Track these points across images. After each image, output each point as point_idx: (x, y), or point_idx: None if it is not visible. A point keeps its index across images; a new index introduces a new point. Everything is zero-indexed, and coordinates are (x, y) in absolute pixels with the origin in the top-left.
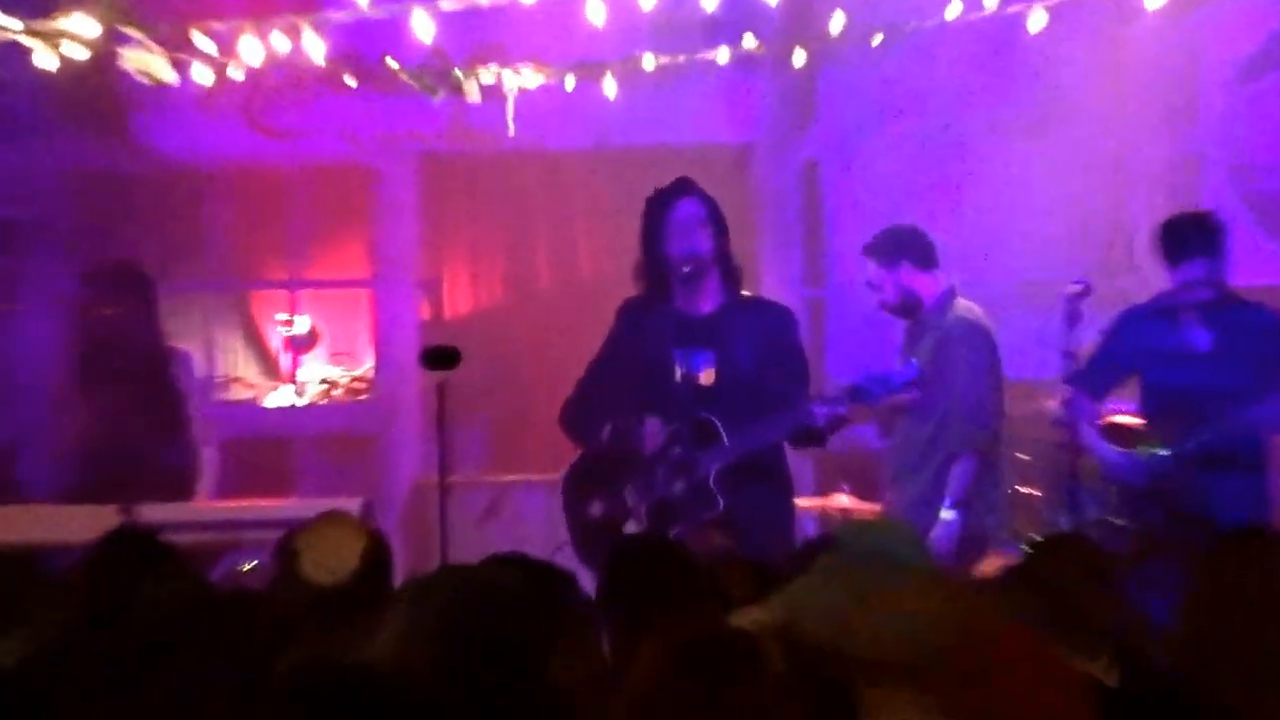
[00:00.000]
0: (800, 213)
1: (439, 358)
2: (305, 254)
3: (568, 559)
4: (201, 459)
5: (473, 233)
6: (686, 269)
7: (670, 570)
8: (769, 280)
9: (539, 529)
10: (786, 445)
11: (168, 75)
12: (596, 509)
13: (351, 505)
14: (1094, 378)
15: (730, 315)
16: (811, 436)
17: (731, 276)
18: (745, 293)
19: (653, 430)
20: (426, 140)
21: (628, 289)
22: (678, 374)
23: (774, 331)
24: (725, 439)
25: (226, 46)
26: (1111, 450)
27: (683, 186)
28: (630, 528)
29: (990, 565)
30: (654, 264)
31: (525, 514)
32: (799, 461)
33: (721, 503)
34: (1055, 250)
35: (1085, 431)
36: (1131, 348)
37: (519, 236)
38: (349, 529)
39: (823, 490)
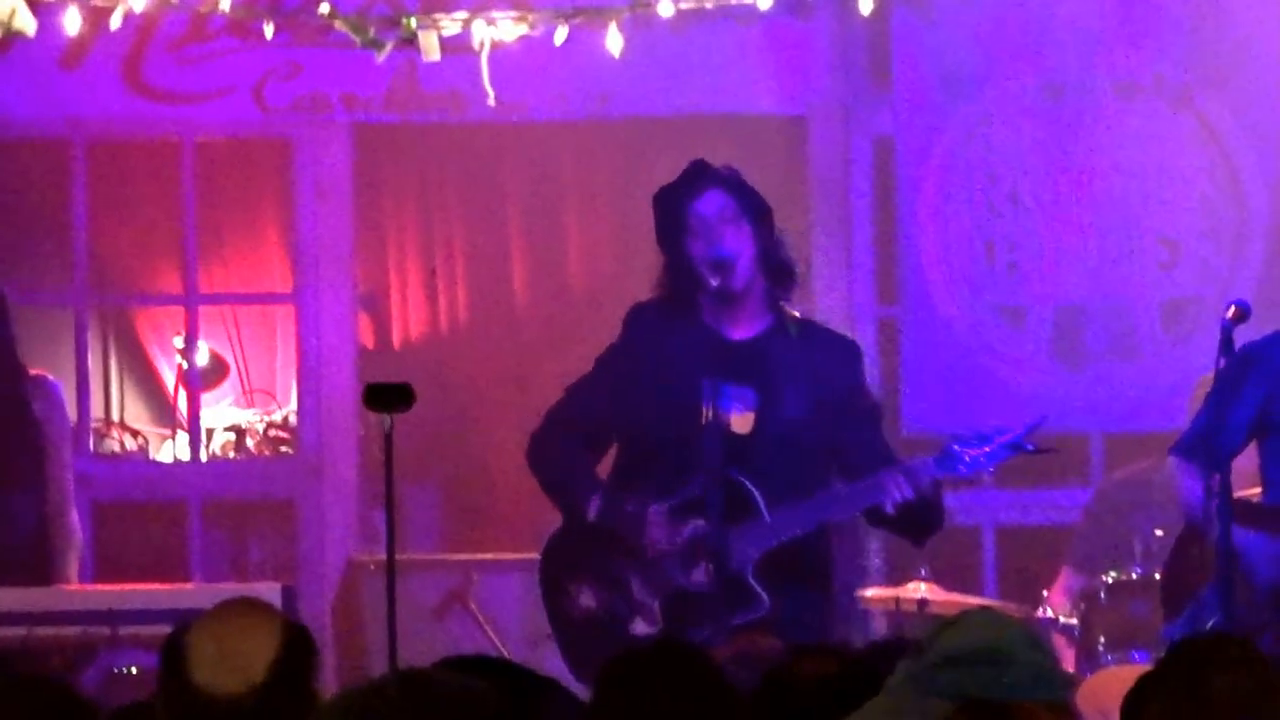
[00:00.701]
0: (869, 206)
1: (385, 396)
2: (206, 258)
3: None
4: (69, 528)
5: (428, 230)
6: (715, 283)
7: (696, 688)
8: (826, 295)
9: (513, 623)
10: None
11: (24, 23)
12: (589, 599)
13: (266, 591)
14: (1206, 438)
15: (777, 342)
16: (888, 518)
17: (779, 280)
18: (797, 314)
19: (662, 502)
20: (367, 108)
21: (629, 303)
22: (705, 415)
23: (835, 369)
24: (766, 514)
25: None
26: (1250, 535)
27: (701, 173)
28: (638, 628)
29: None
30: (678, 271)
31: (495, 604)
32: (863, 537)
33: (766, 600)
34: (1208, 258)
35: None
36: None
37: (490, 235)
38: (261, 622)
39: (894, 577)
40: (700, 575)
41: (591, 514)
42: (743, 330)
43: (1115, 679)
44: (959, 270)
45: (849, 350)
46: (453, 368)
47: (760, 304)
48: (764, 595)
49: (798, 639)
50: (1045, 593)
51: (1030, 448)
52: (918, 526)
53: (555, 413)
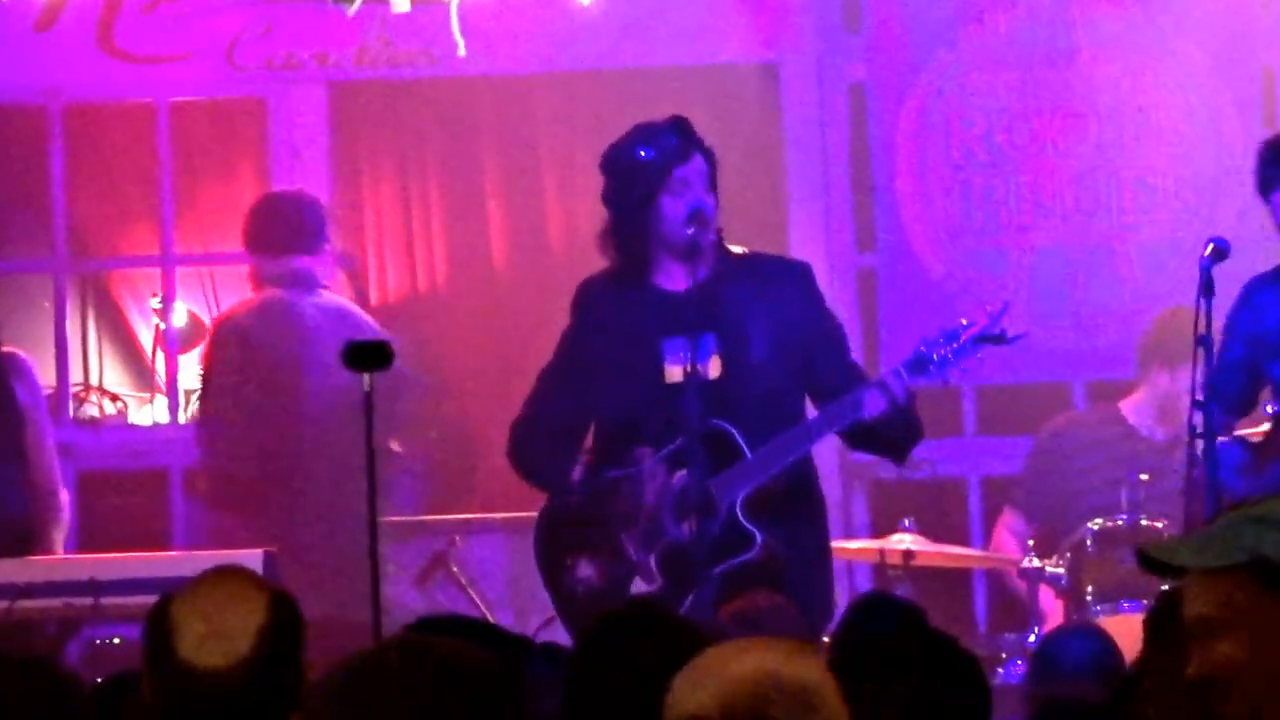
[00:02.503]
0: (844, 155)
1: (364, 355)
2: (182, 219)
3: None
4: (57, 506)
5: (404, 189)
6: (690, 231)
7: (673, 643)
8: (802, 246)
9: (501, 585)
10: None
11: None
12: (587, 570)
13: (250, 558)
14: (1218, 379)
15: (727, 281)
16: (873, 432)
17: (721, 236)
18: (739, 249)
19: (646, 460)
20: (340, 66)
21: (609, 262)
22: (669, 373)
23: (790, 294)
24: (747, 452)
25: None
26: (1242, 478)
27: (687, 134)
28: (638, 587)
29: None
30: (636, 230)
31: (483, 566)
32: (846, 489)
33: (759, 538)
34: (1187, 201)
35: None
36: (1253, 330)
37: (467, 192)
38: (246, 593)
39: (878, 528)
40: (692, 525)
41: (577, 475)
42: (690, 279)
43: None
44: (936, 218)
45: (799, 272)
46: (431, 328)
47: (708, 252)
48: (757, 534)
49: (796, 577)
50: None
51: (1000, 335)
52: (898, 442)
53: (528, 408)
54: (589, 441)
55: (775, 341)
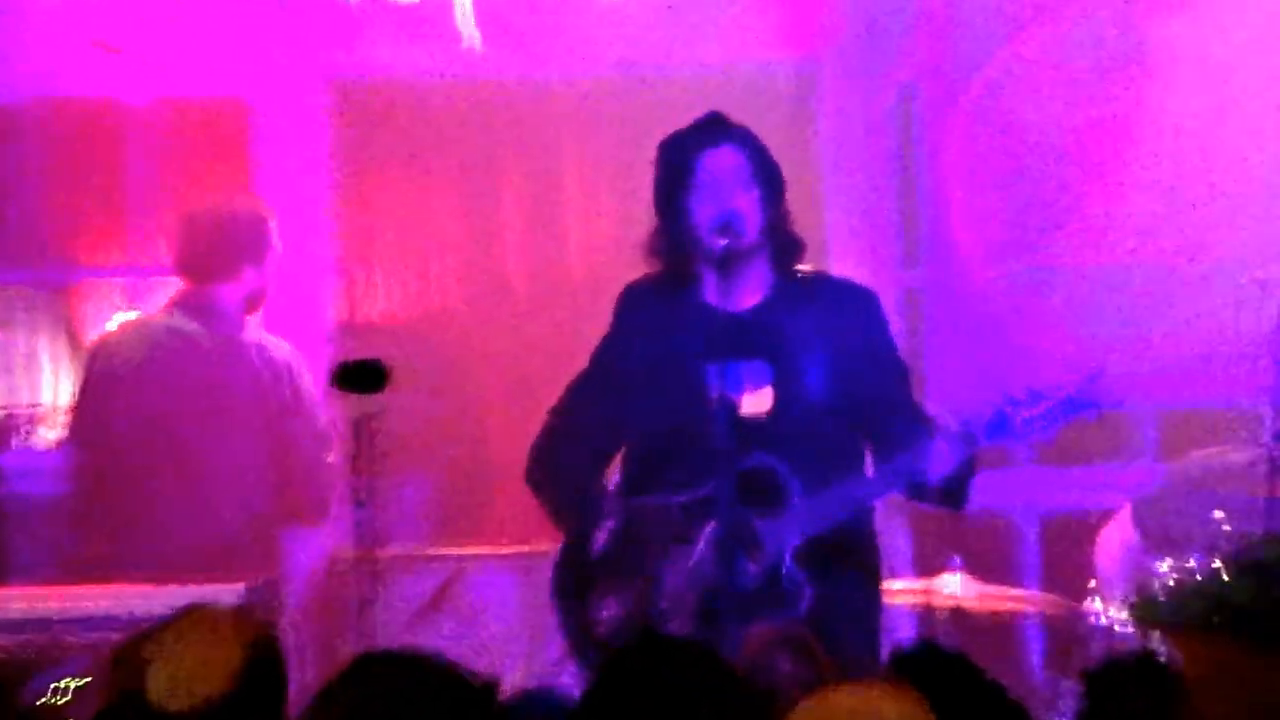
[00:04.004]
0: (888, 163)
1: (358, 377)
2: (156, 230)
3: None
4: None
5: (409, 198)
6: (723, 243)
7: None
8: (841, 261)
9: (508, 624)
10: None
11: None
12: (612, 609)
13: (229, 594)
14: None
15: (785, 305)
16: (927, 491)
17: (786, 253)
18: (804, 268)
19: (687, 492)
20: (338, 63)
21: (635, 277)
22: (714, 399)
23: (854, 324)
24: (797, 497)
25: None
26: None
27: (716, 126)
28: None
29: None
30: (674, 236)
31: (488, 603)
32: (885, 522)
33: (808, 593)
34: (1262, 214)
35: None
36: None
37: (482, 202)
38: (222, 631)
39: (922, 566)
40: (736, 570)
41: (603, 506)
42: (749, 296)
43: None
44: (989, 232)
45: (866, 300)
46: (442, 346)
47: (764, 270)
48: (806, 587)
49: (847, 634)
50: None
51: (1094, 405)
52: (956, 495)
53: (552, 423)
54: (617, 468)
55: (834, 375)
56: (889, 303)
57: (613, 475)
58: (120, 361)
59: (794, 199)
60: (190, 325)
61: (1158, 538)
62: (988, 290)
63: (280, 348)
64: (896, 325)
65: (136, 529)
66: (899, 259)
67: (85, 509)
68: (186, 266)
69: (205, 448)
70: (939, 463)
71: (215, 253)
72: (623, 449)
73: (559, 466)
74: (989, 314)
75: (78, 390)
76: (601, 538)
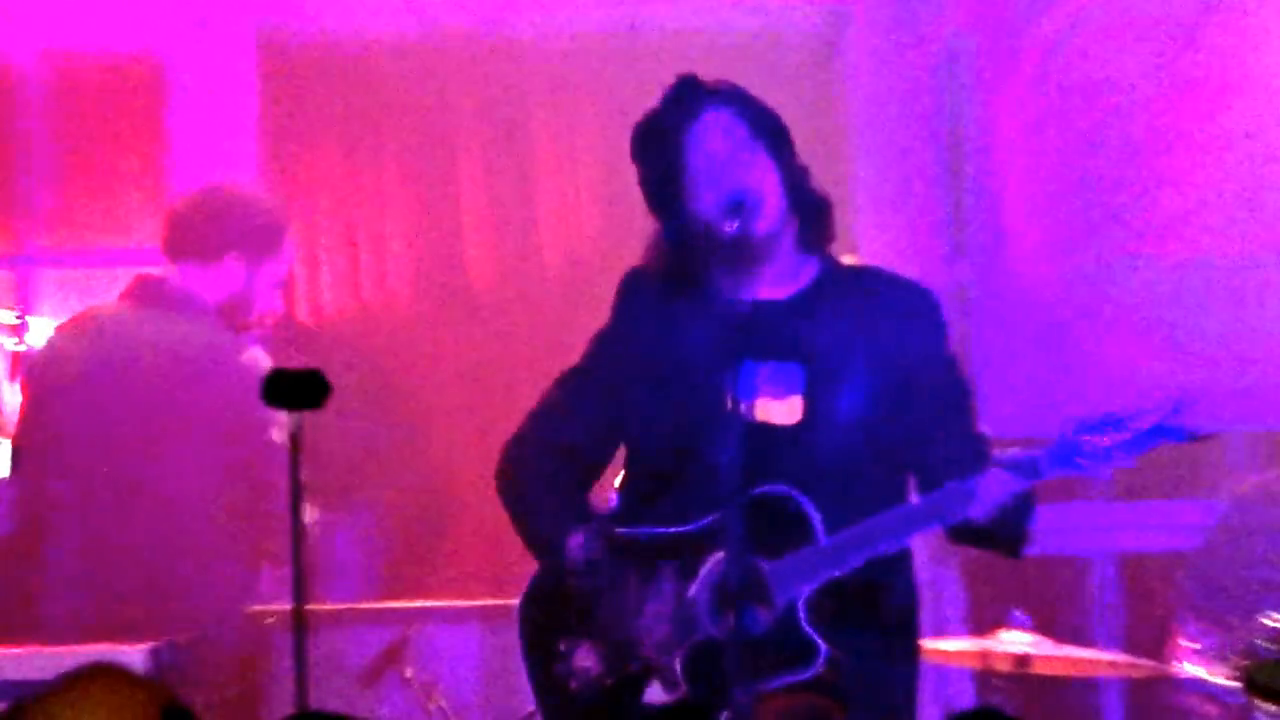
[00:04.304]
0: (929, 137)
1: (290, 390)
2: (50, 211)
3: None
4: None
5: (349, 174)
6: (736, 225)
7: None
8: (872, 252)
9: (470, 690)
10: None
11: None
12: (586, 659)
13: (131, 654)
14: None
15: (826, 298)
16: (979, 531)
17: (817, 230)
18: (850, 259)
19: (685, 522)
20: (266, 13)
21: (621, 272)
22: (730, 408)
23: (908, 329)
24: (820, 534)
25: None
26: None
27: (691, 92)
28: (654, 695)
29: None
30: (680, 232)
31: (443, 670)
32: (933, 566)
33: (822, 651)
34: None
35: None
36: None
37: (433, 183)
38: (118, 696)
39: (979, 621)
40: (736, 621)
41: (572, 551)
42: (777, 288)
43: None
44: (1049, 220)
45: (923, 303)
46: (387, 353)
47: (794, 253)
48: (820, 645)
49: (868, 697)
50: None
51: (1185, 434)
52: (1012, 536)
53: (534, 421)
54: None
55: (879, 387)
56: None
57: (607, 496)
58: (68, 369)
59: (821, 182)
60: (146, 322)
61: (1209, 588)
62: (1049, 288)
63: (260, 358)
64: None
65: (61, 576)
66: (942, 250)
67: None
68: (167, 242)
69: (155, 477)
70: (990, 495)
71: (191, 226)
72: (622, 461)
73: (537, 474)
74: (1050, 316)
75: (21, 407)
76: (580, 568)
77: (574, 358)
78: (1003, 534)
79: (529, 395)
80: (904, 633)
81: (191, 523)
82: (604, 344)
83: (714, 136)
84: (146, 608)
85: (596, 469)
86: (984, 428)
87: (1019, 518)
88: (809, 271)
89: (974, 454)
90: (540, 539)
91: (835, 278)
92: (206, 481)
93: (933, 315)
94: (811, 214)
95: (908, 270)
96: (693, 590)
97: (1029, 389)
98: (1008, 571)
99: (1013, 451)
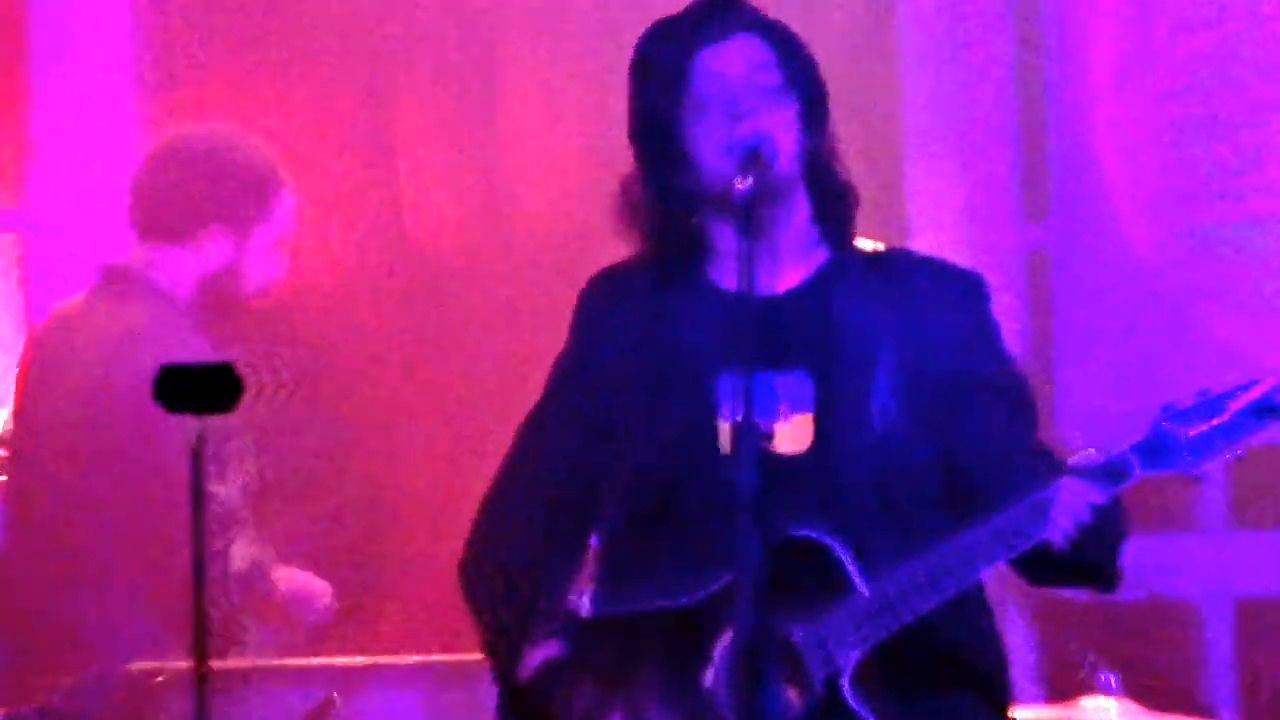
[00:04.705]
0: (1000, 74)
1: (193, 389)
2: None
3: None
4: None
5: (259, 112)
6: (745, 180)
7: None
8: (926, 212)
9: None
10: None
11: None
12: None
13: None
14: None
15: (844, 288)
16: (1055, 561)
17: (838, 206)
18: (870, 244)
19: (689, 589)
20: None
21: (607, 243)
22: (725, 435)
23: (949, 324)
24: (860, 584)
25: None
26: None
27: (721, 7)
28: None
29: None
30: (667, 186)
31: None
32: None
33: None
34: None
35: None
36: None
37: (367, 127)
38: None
39: (1056, 683)
40: (760, 708)
41: (558, 654)
42: (782, 277)
43: None
44: (1150, 171)
45: (969, 290)
46: (313, 341)
47: (805, 234)
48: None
49: None
50: None
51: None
52: (1100, 569)
53: (494, 495)
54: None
55: (914, 397)
56: (1000, 273)
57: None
58: (19, 377)
59: (863, 128)
60: (95, 320)
61: None
62: (1150, 256)
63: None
64: (1017, 305)
65: None
66: (1015, 209)
67: None
68: (132, 218)
69: (52, 500)
70: (1067, 511)
71: (157, 196)
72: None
73: (501, 565)
74: (1151, 290)
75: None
76: (558, 655)
77: (550, 346)
78: (1088, 564)
79: (489, 392)
80: (986, 699)
81: (87, 558)
82: (563, 378)
83: (734, 68)
84: (24, 659)
85: (578, 538)
86: (1063, 424)
87: (1108, 540)
88: (818, 257)
89: (1040, 466)
90: (498, 649)
91: (851, 262)
92: (103, 502)
93: (977, 301)
94: (826, 195)
95: (973, 231)
96: (709, 679)
97: (1121, 381)
98: (1090, 619)
99: (1088, 453)
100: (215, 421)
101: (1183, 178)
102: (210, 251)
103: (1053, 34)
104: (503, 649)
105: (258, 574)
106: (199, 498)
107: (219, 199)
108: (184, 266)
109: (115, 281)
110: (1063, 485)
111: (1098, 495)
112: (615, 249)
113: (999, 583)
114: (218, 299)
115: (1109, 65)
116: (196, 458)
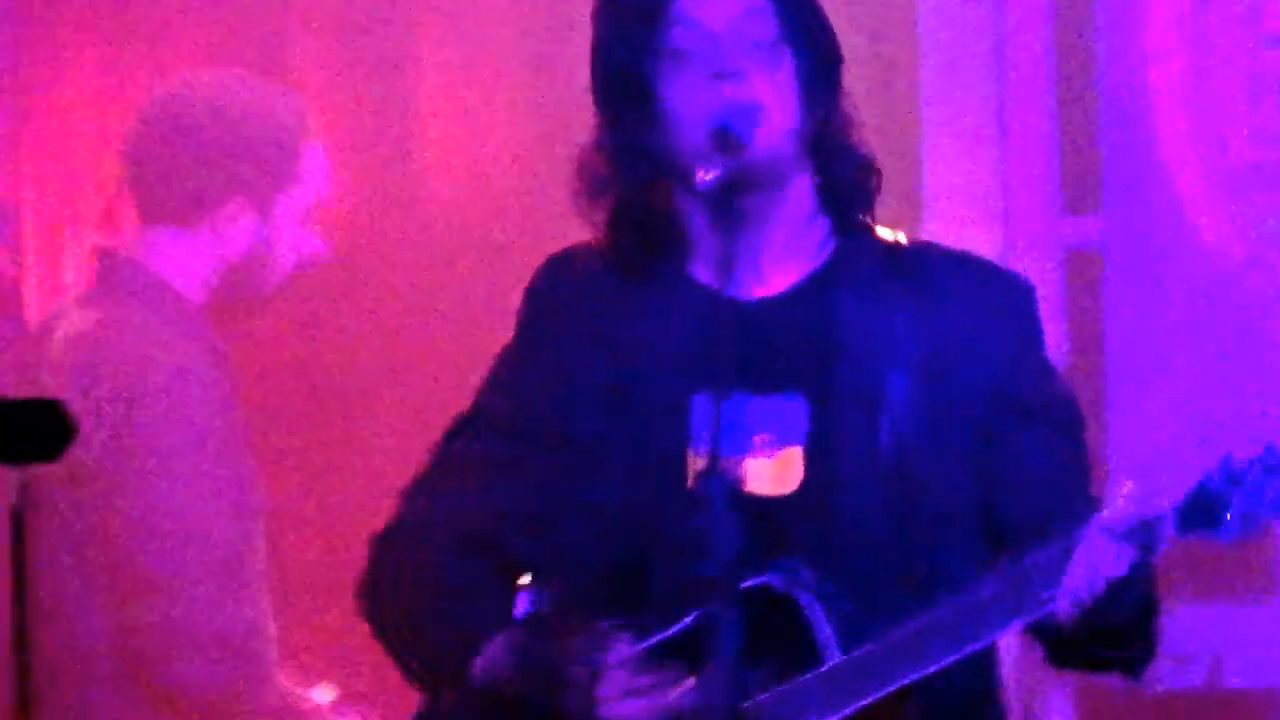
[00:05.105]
0: (1044, 41)
1: (9, 431)
2: None
3: None
4: None
5: (152, 79)
6: (721, 165)
7: None
8: (956, 205)
9: None
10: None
11: None
12: None
13: None
14: None
15: (851, 295)
16: (1083, 629)
17: (846, 190)
18: (892, 234)
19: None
20: None
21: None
22: (694, 464)
23: (982, 336)
24: (827, 649)
25: None
26: None
27: None
28: None
29: None
30: (634, 154)
31: None
32: (1027, 698)
33: None
34: None
35: None
36: None
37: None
38: None
39: None
40: None
41: (480, 667)
42: (773, 277)
43: None
44: (1217, 151)
45: (1009, 298)
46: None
47: (807, 224)
48: None
49: None
50: None
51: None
52: (1128, 647)
53: (413, 504)
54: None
55: (940, 427)
56: (1044, 272)
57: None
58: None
59: (877, 103)
60: (96, 320)
61: None
62: (1222, 254)
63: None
64: (1058, 311)
65: None
66: (1055, 198)
67: None
68: (130, 196)
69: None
70: (1083, 577)
71: (161, 172)
72: (544, 553)
73: (420, 578)
74: (1223, 297)
75: None
76: (482, 705)
77: (473, 347)
78: (1107, 641)
79: (391, 410)
80: None
81: None
82: (509, 373)
83: (720, 14)
84: None
85: (505, 562)
86: (1112, 461)
87: (1135, 614)
88: (821, 252)
89: (1078, 505)
90: (439, 658)
91: (862, 256)
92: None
93: (1021, 313)
94: (838, 176)
95: (1008, 226)
96: None
97: (1188, 390)
98: (1141, 708)
99: (1122, 505)
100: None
101: (1266, 153)
102: (230, 233)
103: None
104: (427, 664)
105: None
106: (21, 569)
107: (232, 168)
108: (197, 253)
109: (113, 278)
110: (1080, 545)
111: (1120, 562)
112: (553, 232)
113: (1035, 663)
114: (238, 292)
115: (1176, 29)
116: (18, 520)
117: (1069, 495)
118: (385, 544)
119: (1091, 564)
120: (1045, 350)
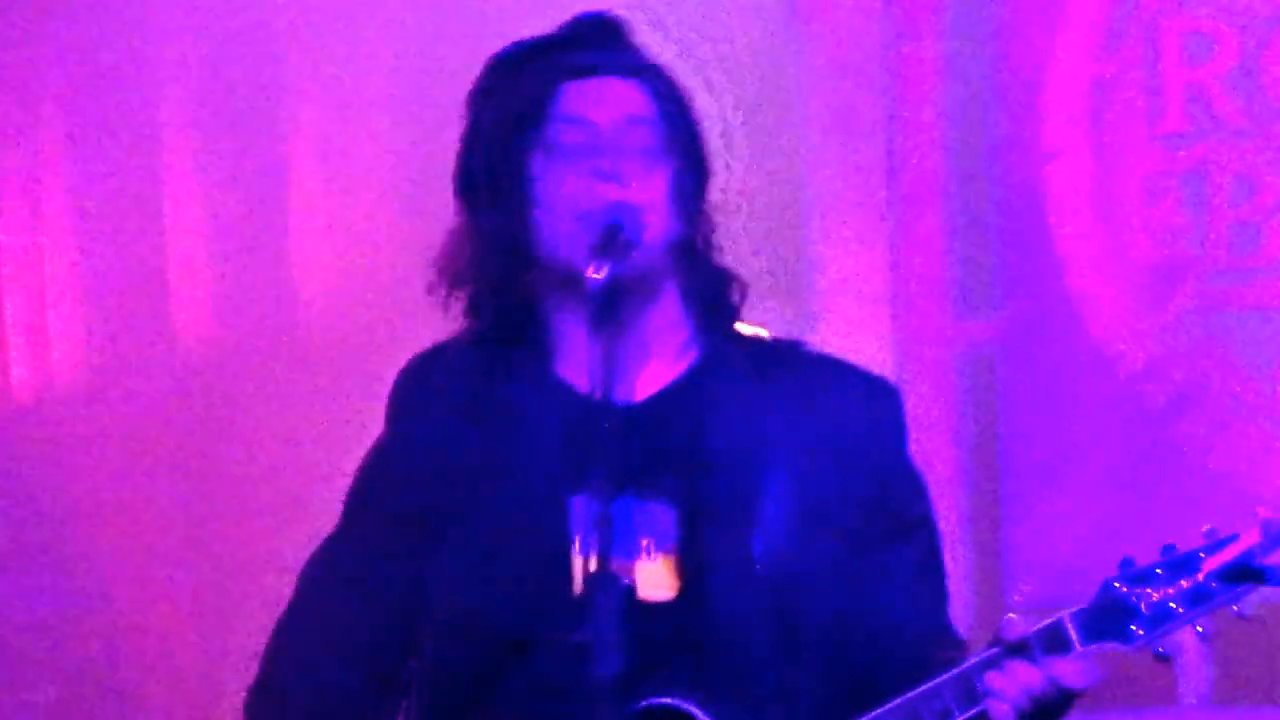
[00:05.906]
0: (937, 98)
1: None
2: None
3: None
4: None
5: (64, 128)
6: (605, 270)
7: None
8: (834, 300)
9: None
10: None
11: None
12: None
13: None
14: None
15: (719, 397)
16: None
17: (715, 298)
18: (760, 331)
19: None
20: None
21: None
22: (578, 570)
23: (849, 445)
24: None
25: None
26: None
27: (597, 34)
28: None
29: None
30: (500, 249)
31: None
32: None
33: None
34: None
35: None
36: None
37: (137, 174)
38: None
39: None
40: None
41: None
42: (645, 379)
43: None
44: (1116, 254)
45: (876, 402)
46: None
47: (674, 327)
48: None
49: None
50: None
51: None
52: None
53: (291, 622)
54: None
55: (808, 532)
56: (928, 375)
57: None
58: None
59: (764, 192)
60: None
61: None
62: (1121, 356)
63: None
64: (942, 417)
65: None
66: (957, 295)
67: None
68: None
69: None
70: (1009, 700)
71: None
72: (417, 666)
73: (289, 702)
74: (1123, 402)
75: None
76: None
77: (345, 448)
78: None
79: (265, 493)
80: None
81: None
82: (375, 476)
83: (606, 114)
84: None
85: (388, 677)
86: (1006, 575)
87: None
88: (688, 354)
89: (938, 640)
90: None
91: (728, 357)
92: None
93: (885, 415)
94: (703, 286)
95: (891, 323)
96: None
97: (1076, 515)
98: None
99: (1016, 622)
100: None
101: (1166, 252)
102: None
103: (995, 60)
104: None
105: None
106: None
107: None
108: None
109: None
110: (981, 668)
111: (1031, 686)
112: (418, 331)
113: None
114: None
115: (1085, 98)
116: None
117: (930, 609)
118: (268, 661)
119: (1001, 685)
120: (911, 461)
